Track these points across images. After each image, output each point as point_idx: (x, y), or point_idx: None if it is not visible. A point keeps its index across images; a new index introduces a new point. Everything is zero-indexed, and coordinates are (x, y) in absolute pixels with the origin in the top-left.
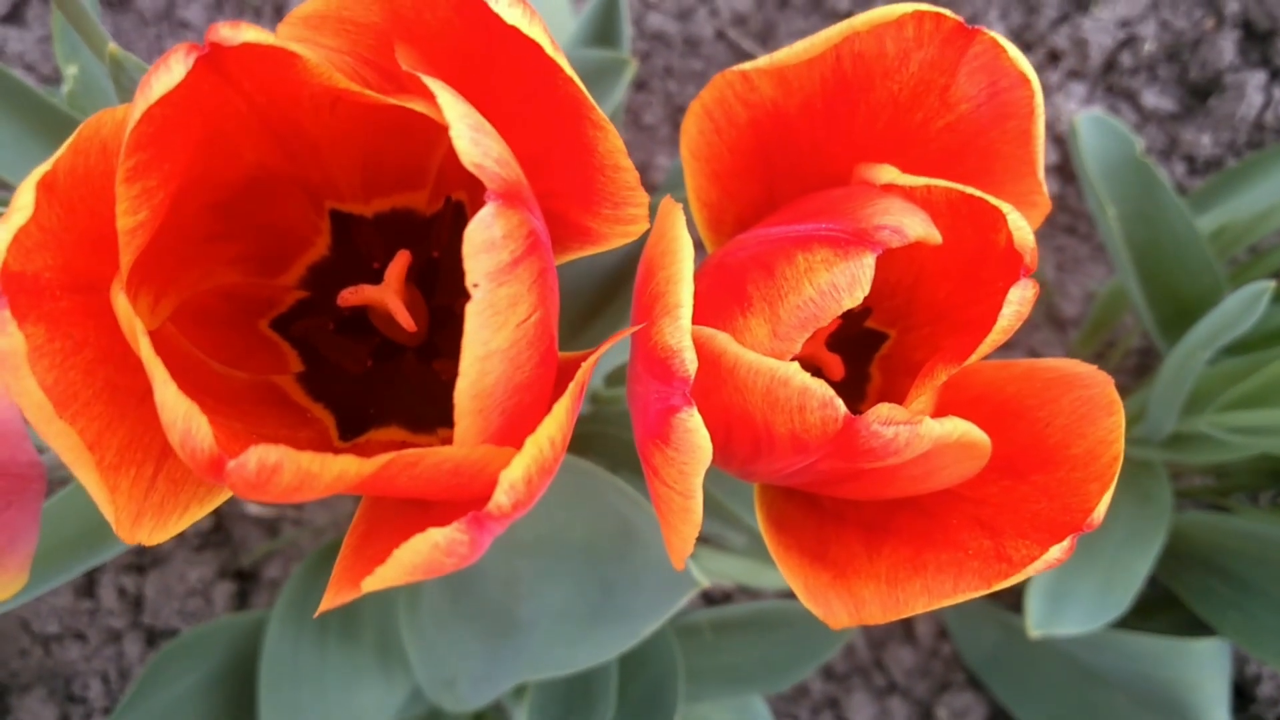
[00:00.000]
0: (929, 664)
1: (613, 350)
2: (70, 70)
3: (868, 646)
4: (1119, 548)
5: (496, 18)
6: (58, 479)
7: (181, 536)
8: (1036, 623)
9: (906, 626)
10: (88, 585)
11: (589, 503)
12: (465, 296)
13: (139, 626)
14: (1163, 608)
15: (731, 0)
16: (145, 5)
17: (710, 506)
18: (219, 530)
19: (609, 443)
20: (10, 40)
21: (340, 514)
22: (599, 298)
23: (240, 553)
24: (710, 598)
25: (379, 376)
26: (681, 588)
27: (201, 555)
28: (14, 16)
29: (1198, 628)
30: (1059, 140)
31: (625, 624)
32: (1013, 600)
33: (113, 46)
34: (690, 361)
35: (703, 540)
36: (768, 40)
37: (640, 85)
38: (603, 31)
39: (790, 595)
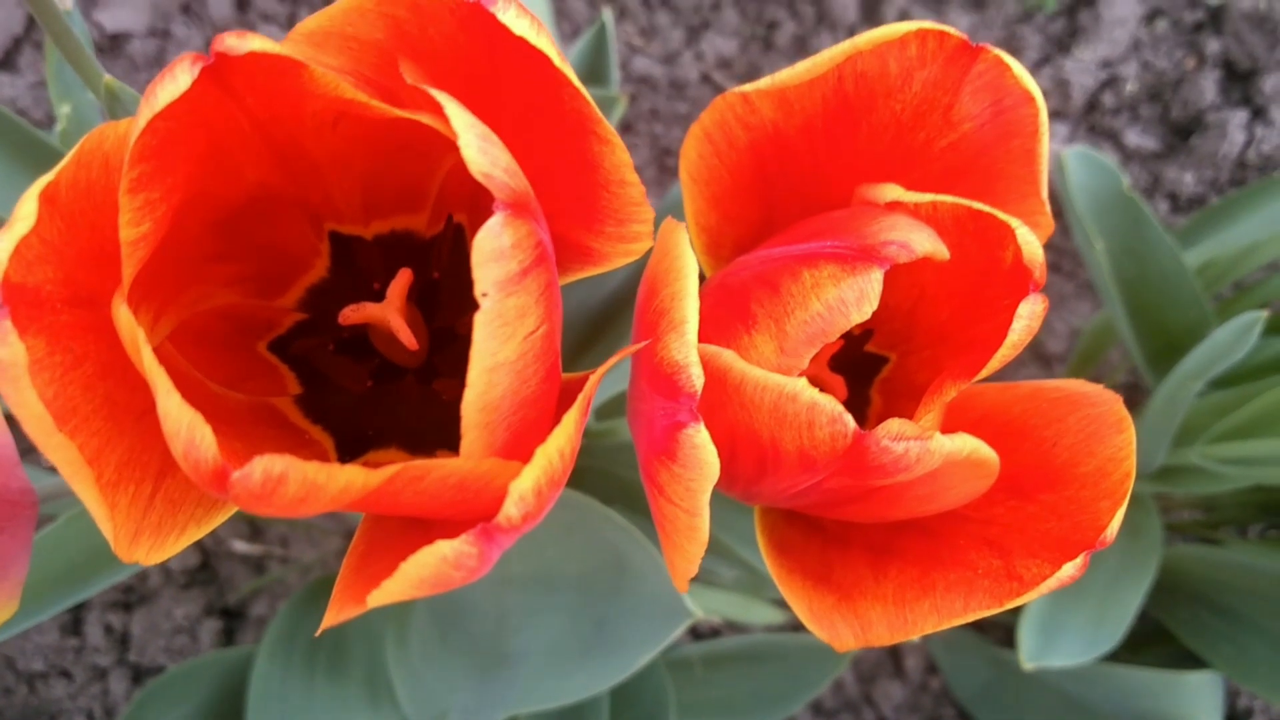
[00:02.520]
0: (918, 699)
1: (604, 384)
2: (63, 109)
3: (857, 681)
4: (1110, 580)
5: (502, 31)
6: (43, 514)
7: (168, 573)
8: (1029, 655)
9: (895, 661)
10: (74, 623)
11: (581, 535)
12: (466, 317)
13: (125, 664)
14: (1154, 641)
15: (717, 44)
16: (136, 51)
17: None
18: (206, 567)
19: (600, 478)
20: (3, 86)
21: (328, 552)
22: (600, 322)
23: (227, 590)
24: (699, 633)
25: (378, 398)
26: (674, 620)
27: (188, 592)
28: (7, 62)
29: (1190, 661)
30: None
31: (617, 656)
32: (1002, 634)
33: (109, 78)
34: (697, 377)
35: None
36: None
37: (626, 128)
38: (591, 70)
39: (779, 629)
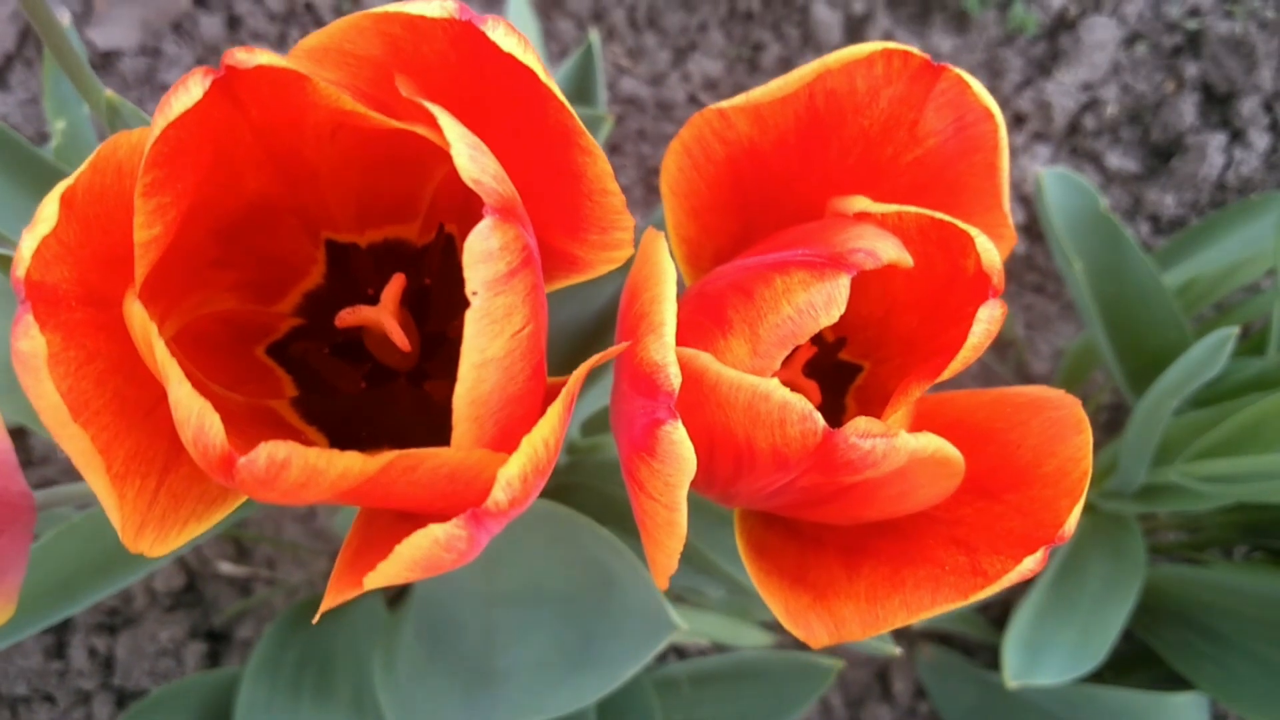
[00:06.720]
0: None
1: (591, 397)
2: (59, 125)
3: (845, 705)
4: (1095, 600)
5: (491, 49)
6: None
7: (153, 595)
8: (1014, 673)
9: (884, 685)
10: (57, 646)
11: (567, 550)
12: (456, 322)
13: (109, 688)
14: (1140, 663)
15: (703, 65)
16: (127, 69)
17: (687, 556)
18: (191, 589)
19: (586, 495)
20: None
21: (314, 573)
22: (592, 335)
23: (212, 612)
24: (686, 654)
25: (371, 401)
26: (659, 633)
27: (173, 615)
28: None
29: (1175, 682)
30: (1026, 200)
31: (604, 670)
32: (990, 658)
33: (109, 93)
34: (675, 376)
35: (679, 598)
36: None
37: (614, 148)
38: (579, 90)
39: (767, 649)
